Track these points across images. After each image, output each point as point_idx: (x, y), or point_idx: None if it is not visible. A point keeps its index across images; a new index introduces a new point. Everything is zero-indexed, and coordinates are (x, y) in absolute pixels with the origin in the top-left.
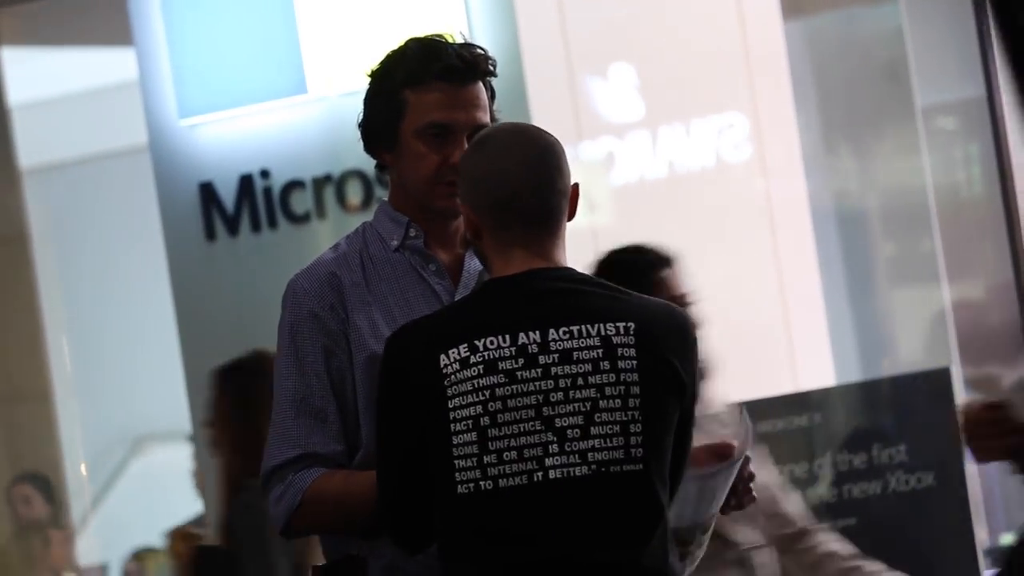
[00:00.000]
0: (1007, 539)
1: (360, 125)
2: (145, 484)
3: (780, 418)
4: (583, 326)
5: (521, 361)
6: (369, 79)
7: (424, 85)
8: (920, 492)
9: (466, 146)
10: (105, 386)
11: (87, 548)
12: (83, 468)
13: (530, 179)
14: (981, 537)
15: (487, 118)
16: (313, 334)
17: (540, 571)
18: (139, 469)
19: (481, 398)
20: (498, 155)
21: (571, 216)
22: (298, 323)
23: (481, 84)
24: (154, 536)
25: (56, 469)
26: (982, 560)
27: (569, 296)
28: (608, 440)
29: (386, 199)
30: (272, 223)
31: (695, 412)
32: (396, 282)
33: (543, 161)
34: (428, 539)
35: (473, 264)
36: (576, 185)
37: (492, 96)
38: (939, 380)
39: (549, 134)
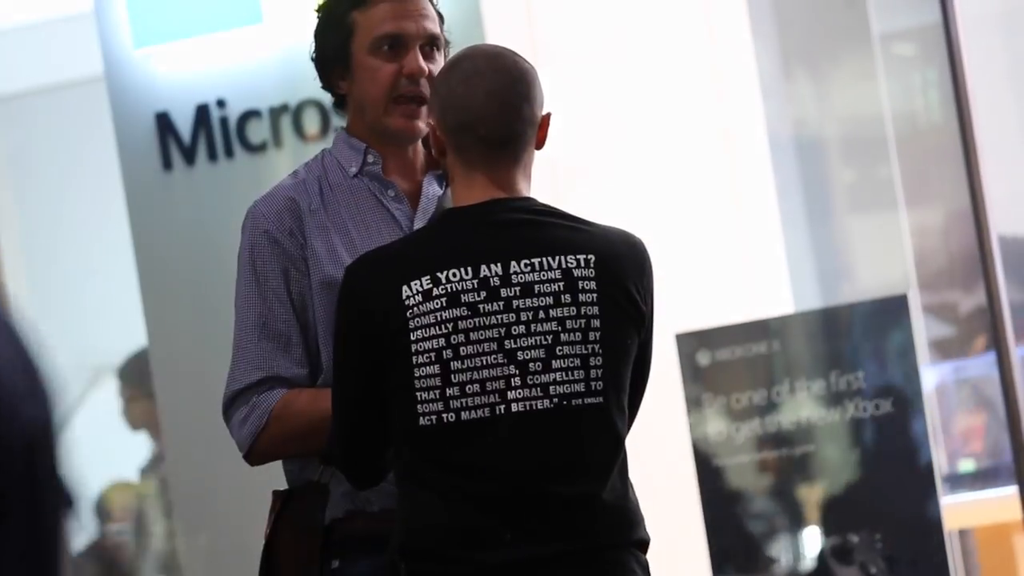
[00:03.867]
0: (966, 465)
1: (313, 59)
2: (106, 415)
3: (738, 345)
4: (544, 258)
5: (483, 294)
6: (317, 13)
7: (370, 3)
8: (879, 419)
9: (419, 55)
10: (63, 318)
11: None
12: None
13: (495, 105)
14: (940, 463)
15: (437, 29)
16: (273, 258)
17: (500, 503)
18: (99, 400)
19: (444, 331)
20: (467, 77)
21: (539, 146)
22: (257, 247)
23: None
24: (119, 468)
25: None
26: (940, 486)
27: (530, 228)
28: (569, 373)
29: (344, 127)
30: (229, 153)
31: (651, 338)
32: (355, 208)
33: (512, 88)
34: (379, 475)
35: (432, 189)
36: (548, 115)
37: (441, 19)
38: (897, 306)
39: (525, 60)
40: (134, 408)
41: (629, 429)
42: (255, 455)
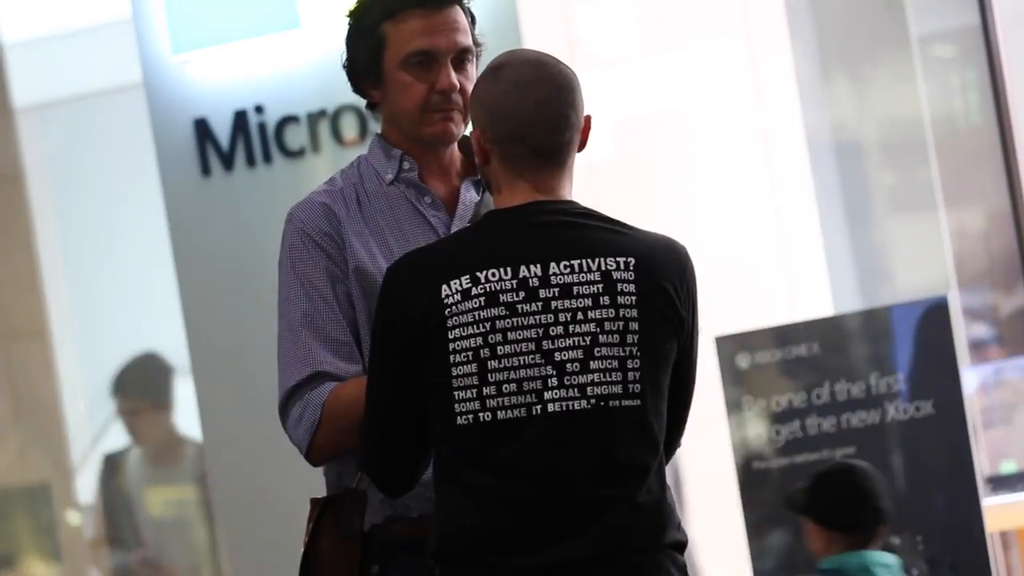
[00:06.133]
0: (1008, 466)
1: (345, 66)
2: None
3: (778, 348)
4: (584, 260)
5: (522, 294)
6: (349, 20)
7: (401, 15)
8: (919, 421)
9: (451, 71)
10: (103, 323)
11: (87, 486)
12: (82, 406)
13: (543, 116)
14: (981, 465)
15: (469, 41)
16: (315, 260)
17: (535, 504)
18: None
19: (482, 330)
20: (513, 87)
21: (581, 148)
22: (297, 250)
23: (459, 8)
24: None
25: (55, 407)
26: (982, 488)
27: (570, 229)
28: (607, 375)
29: (380, 133)
30: (267, 158)
31: (695, 350)
32: (392, 215)
33: (558, 98)
34: (411, 482)
35: (469, 195)
36: (588, 117)
37: (472, 21)
38: (937, 309)
39: (566, 66)
40: (139, 422)
41: (677, 445)
42: (315, 453)
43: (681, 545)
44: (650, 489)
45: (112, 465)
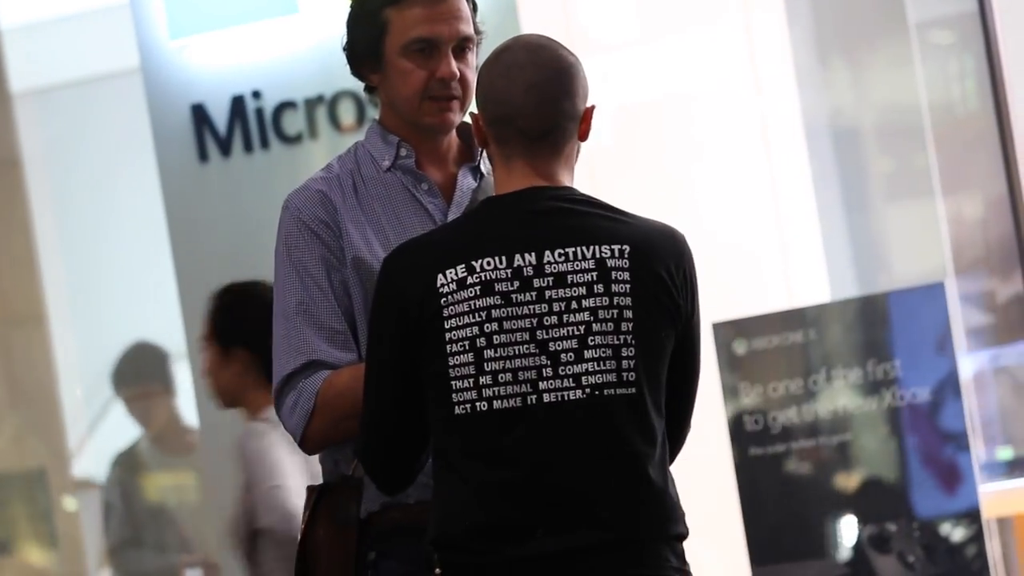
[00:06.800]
0: (1004, 453)
1: (345, 49)
2: None
3: (775, 334)
4: (578, 248)
5: (516, 284)
6: (351, 3)
7: (404, 2)
8: (915, 407)
9: (451, 59)
10: (100, 309)
11: (84, 472)
12: (79, 391)
13: (534, 99)
14: (978, 451)
15: (470, 29)
16: (311, 248)
17: (532, 494)
18: None
19: (477, 319)
20: (508, 71)
21: (583, 137)
22: (292, 238)
23: None
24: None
25: (52, 392)
26: (978, 474)
27: (567, 217)
28: (601, 363)
29: (377, 119)
30: (264, 144)
31: (696, 340)
32: (389, 202)
33: (552, 82)
34: (411, 477)
35: (466, 182)
36: (591, 108)
37: (474, 8)
38: (934, 295)
39: (569, 53)
40: (144, 407)
41: (683, 438)
42: (308, 442)
43: (683, 537)
44: (650, 479)
45: (124, 462)
